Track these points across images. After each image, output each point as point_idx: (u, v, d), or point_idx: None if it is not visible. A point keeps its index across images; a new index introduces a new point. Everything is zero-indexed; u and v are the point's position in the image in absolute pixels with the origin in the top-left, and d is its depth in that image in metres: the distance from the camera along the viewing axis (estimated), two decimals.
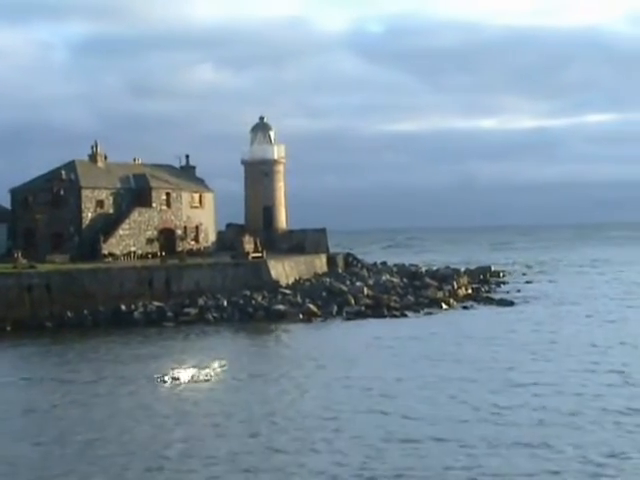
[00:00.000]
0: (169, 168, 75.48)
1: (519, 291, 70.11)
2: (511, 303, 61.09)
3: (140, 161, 74.20)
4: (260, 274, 58.77)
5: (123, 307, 53.42)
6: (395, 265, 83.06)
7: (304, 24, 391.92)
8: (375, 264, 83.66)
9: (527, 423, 25.72)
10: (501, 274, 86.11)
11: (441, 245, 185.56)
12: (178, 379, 34.10)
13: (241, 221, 78.72)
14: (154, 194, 69.75)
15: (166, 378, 34.29)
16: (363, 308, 56.70)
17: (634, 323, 48.97)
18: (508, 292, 69.52)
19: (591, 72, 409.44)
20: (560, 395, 29.49)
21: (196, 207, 73.53)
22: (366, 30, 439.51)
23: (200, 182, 76.28)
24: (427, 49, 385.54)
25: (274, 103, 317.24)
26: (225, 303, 54.77)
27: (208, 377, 34.47)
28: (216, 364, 36.99)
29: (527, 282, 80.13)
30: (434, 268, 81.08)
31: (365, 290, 60.58)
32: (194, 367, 36.12)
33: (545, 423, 25.60)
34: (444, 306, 58.65)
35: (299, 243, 76.03)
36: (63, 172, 66.88)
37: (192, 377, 34.41)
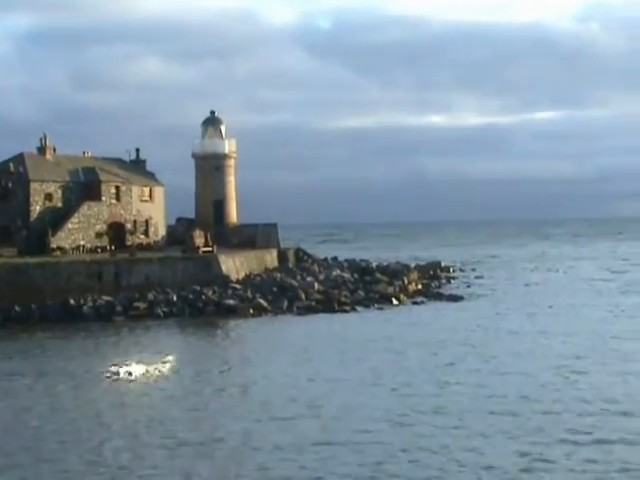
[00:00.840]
0: (119, 162, 74.87)
1: (469, 286, 70.48)
2: (461, 298, 61.44)
3: (90, 154, 73.56)
4: (210, 269, 58.51)
5: (72, 301, 52.95)
6: (346, 260, 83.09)
7: (253, 18, 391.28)
8: (326, 259, 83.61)
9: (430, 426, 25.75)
10: (451, 270, 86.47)
11: (391, 240, 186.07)
12: (124, 374, 33.78)
13: (191, 215, 78.30)
14: (104, 188, 69.17)
15: (111, 373, 33.99)
16: (314, 303, 56.68)
17: (571, 316, 49.37)
18: (458, 287, 69.85)
19: (538, 69, 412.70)
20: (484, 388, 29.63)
21: (146, 201, 73.00)
22: (315, 25, 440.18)
23: (150, 176, 75.77)
24: (375, 45, 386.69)
25: (222, 97, 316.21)
26: (175, 298, 54.45)
27: (154, 372, 34.20)
28: (163, 359, 36.72)
29: (477, 277, 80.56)
30: (385, 263, 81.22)
31: (316, 285, 60.53)
32: (140, 362, 35.80)
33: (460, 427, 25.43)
34: (394, 301, 58.78)
35: (250, 238, 75.81)
36: (11, 165, 66.10)
37: (138, 372, 34.11)
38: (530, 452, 21.99)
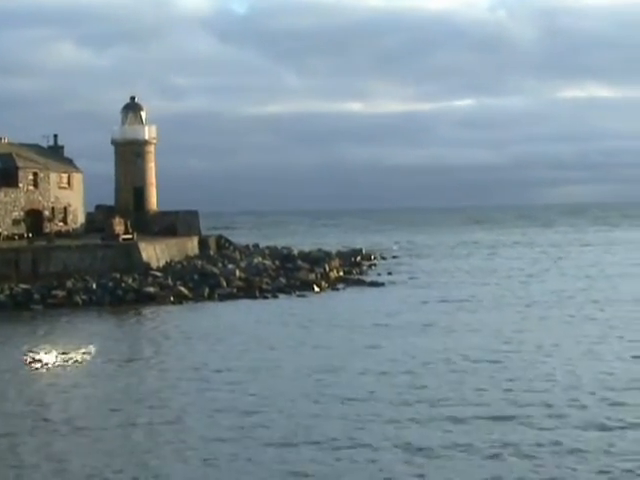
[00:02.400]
0: (36, 148, 73.68)
1: (390, 273, 70.80)
2: (381, 285, 61.78)
3: (6, 140, 72.26)
4: (130, 256, 57.93)
5: None
6: (267, 247, 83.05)
7: (167, 2, 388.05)
8: (247, 246, 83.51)
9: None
10: (372, 257, 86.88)
11: (311, 228, 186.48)
12: (39, 363, 33.27)
13: (111, 202, 77.44)
14: (21, 174, 67.97)
15: (27, 362, 33.46)
16: (235, 290, 56.52)
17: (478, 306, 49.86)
18: (379, 274, 70.14)
19: (455, 57, 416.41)
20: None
21: (64, 188, 71.98)
22: (229, 10, 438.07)
23: (68, 162, 74.73)
24: (292, 31, 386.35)
25: (137, 83, 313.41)
26: (94, 285, 53.76)
27: (71, 361, 33.73)
28: (80, 347, 36.24)
29: (398, 264, 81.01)
30: (306, 250, 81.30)
31: (237, 272, 60.33)
32: (57, 351, 35.29)
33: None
34: (316, 288, 58.84)
35: (171, 225, 75.27)
36: None
37: (54, 361, 33.59)
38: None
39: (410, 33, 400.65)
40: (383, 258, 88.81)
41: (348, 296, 56.30)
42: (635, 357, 32.29)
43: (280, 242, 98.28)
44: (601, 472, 19.21)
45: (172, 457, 21.08)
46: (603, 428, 22.58)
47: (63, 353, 34.93)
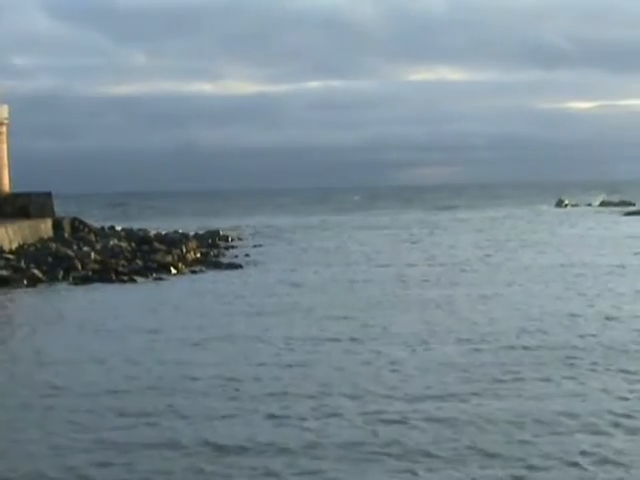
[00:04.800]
0: None
1: (248, 255, 70.84)
2: (240, 267, 61.79)
3: None
4: None
5: None
6: (123, 229, 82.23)
7: None
8: (103, 228, 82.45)
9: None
10: (230, 238, 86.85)
11: (166, 210, 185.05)
12: None
13: None
14: None
15: None
16: (90, 273, 55.73)
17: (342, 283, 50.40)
18: (237, 256, 70.13)
19: (306, 39, 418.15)
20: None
21: None
22: None
23: None
24: (138, 11, 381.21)
25: None
26: None
27: None
28: None
29: (255, 246, 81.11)
30: (163, 232, 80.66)
31: (92, 255, 59.54)
32: None
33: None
34: (173, 270, 58.48)
35: (23, 207, 73.79)
36: None
37: None
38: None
39: (259, 14, 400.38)
40: (240, 239, 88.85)
41: (201, 278, 56.12)
42: None
43: (136, 224, 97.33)
44: None
45: None
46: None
47: None
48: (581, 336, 31.95)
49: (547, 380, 25.24)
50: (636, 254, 63.70)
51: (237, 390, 25.03)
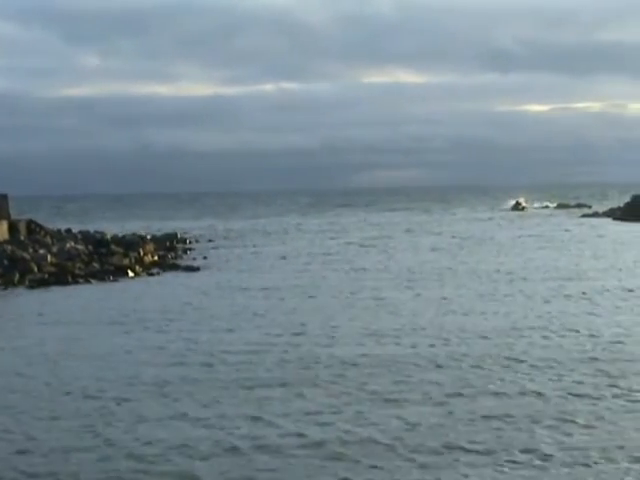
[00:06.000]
0: None
1: (205, 258, 70.75)
2: (197, 269, 61.69)
3: None
4: None
5: None
6: (80, 232, 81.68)
7: None
8: (59, 231, 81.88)
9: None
10: (188, 241, 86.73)
11: (122, 212, 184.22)
12: None
13: None
14: None
15: None
16: (47, 276, 55.39)
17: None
18: (195, 259, 70.02)
19: (264, 41, 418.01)
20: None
21: None
22: None
23: None
24: (90, 11, 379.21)
25: None
26: None
27: None
28: None
29: (213, 248, 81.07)
30: (120, 235, 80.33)
31: (49, 257, 59.18)
32: None
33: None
34: (130, 273, 58.29)
35: None
36: None
37: None
38: None
39: (211, 15, 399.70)
40: (198, 242, 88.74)
41: (162, 281, 55.97)
42: None
43: (93, 226, 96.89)
44: None
45: None
46: None
47: None
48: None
49: None
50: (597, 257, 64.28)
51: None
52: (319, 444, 20.09)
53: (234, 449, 19.97)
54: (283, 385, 25.74)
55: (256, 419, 22.18)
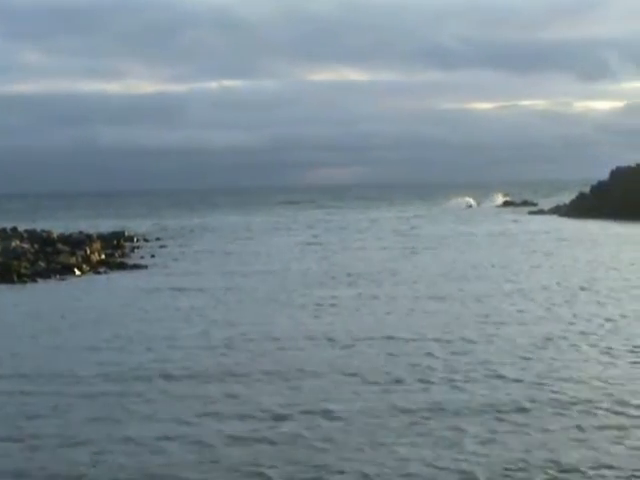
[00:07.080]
0: None
1: (153, 256, 70.64)
2: (144, 267, 61.61)
3: None
4: None
5: None
6: (26, 231, 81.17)
7: None
8: (4, 230, 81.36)
9: None
10: (135, 239, 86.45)
11: (67, 211, 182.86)
12: None
13: None
14: None
15: None
16: None
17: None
18: (142, 257, 69.85)
19: (205, 39, 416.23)
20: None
21: None
22: None
23: None
24: (33, 8, 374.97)
25: None
26: None
27: None
28: None
29: (161, 247, 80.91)
30: (66, 233, 79.91)
31: None
32: None
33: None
34: (77, 272, 58.10)
35: None
36: None
37: None
38: None
39: (153, 12, 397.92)
40: (146, 240, 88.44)
41: (108, 280, 55.84)
42: None
43: (39, 225, 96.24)
44: None
45: None
46: None
47: None
48: None
49: None
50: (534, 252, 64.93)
51: None
52: None
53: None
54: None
55: None
